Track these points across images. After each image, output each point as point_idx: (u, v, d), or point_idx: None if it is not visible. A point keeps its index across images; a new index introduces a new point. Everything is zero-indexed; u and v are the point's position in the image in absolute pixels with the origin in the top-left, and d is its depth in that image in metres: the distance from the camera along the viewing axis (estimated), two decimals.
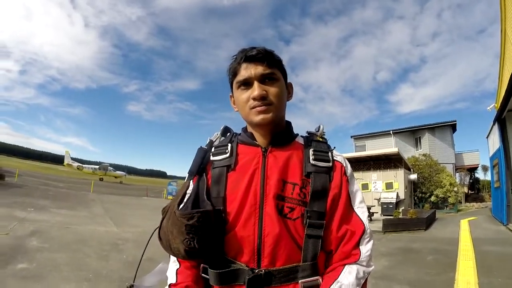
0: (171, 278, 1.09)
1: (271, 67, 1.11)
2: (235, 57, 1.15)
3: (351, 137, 35.91)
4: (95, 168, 53.19)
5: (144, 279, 1.30)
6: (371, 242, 1.11)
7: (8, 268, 4.85)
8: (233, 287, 1.04)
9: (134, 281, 1.27)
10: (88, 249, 6.52)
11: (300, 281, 1.02)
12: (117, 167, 69.49)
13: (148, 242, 1.27)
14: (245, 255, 1.05)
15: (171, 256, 1.16)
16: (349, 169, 1.18)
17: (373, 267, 1.09)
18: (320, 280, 1.03)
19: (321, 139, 1.21)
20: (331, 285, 0.99)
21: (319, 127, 1.25)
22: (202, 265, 1.10)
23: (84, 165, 55.89)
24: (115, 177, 53.47)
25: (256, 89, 1.07)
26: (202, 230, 0.98)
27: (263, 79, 1.10)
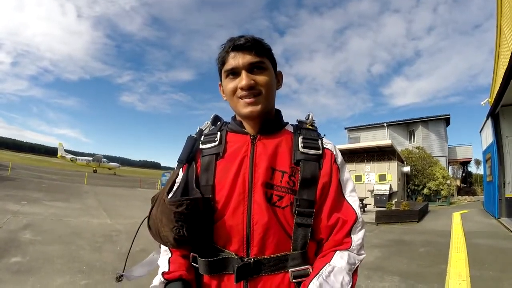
0: (164, 267, 1.08)
1: (260, 56, 1.10)
2: (223, 46, 1.14)
3: (345, 128, 36.09)
4: (88, 160, 52.78)
5: (133, 269, 1.28)
6: (363, 231, 1.10)
7: (2, 261, 4.82)
8: (222, 276, 1.04)
9: (123, 270, 1.26)
10: (82, 241, 6.50)
11: (290, 270, 1.01)
12: (110, 159, 69.37)
13: (137, 231, 1.26)
14: (234, 243, 1.04)
15: (161, 246, 1.15)
16: (339, 157, 1.17)
17: (364, 255, 1.09)
18: (310, 269, 1.02)
19: (310, 127, 1.20)
20: (322, 267, 0.99)
21: (309, 115, 1.24)
22: (191, 254, 1.10)
23: (77, 157, 55.48)
24: (109, 169, 53.13)
25: (244, 79, 1.06)
26: (191, 217, 0.98)
27: (251, 68, 1.09)
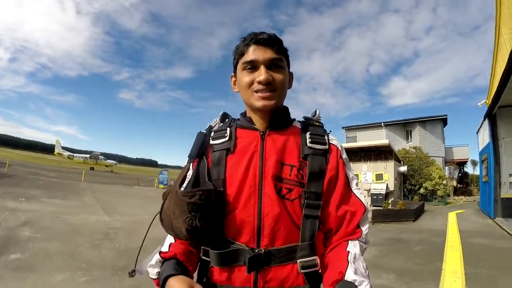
0: (164, 248, 1.12)
1: (279, 53, 1.13)
2: (244, 38, 1.16)
3: (343, 128, 35.97)
4: (85, 157, 52.56)
5: (143, 264, 1.33)
6: (368, 221, 1.17)
7: (1, 258, 4.85)
8: (234, 267, 1.06)
9: (135, 266, 1.28)
10: (80, 239, 6.54)
11: (298, 260, 1.05)
12: (108, 156, 68.98)
13: (150, 225, 1.26)
14: (245, 235, 1.07)
15: (167, 237, 1.18)
16: (344, 153, 1.21)
17: (369, 243, 1.15)
18: (318, 260, 1.06)
19: (317, 123, 1.24)
20: (347, 255, 1.02)
21: (315, 112, 1.28)
22: (202, 247, 1.13)
23: (74, 154, 55.32)
24: (106, 166, 52.94)
25: (263, 74, 1.09)
26: (204, 208, 1.00)
27: (270, 65, 1.12)
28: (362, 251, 1.08)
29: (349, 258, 1.00)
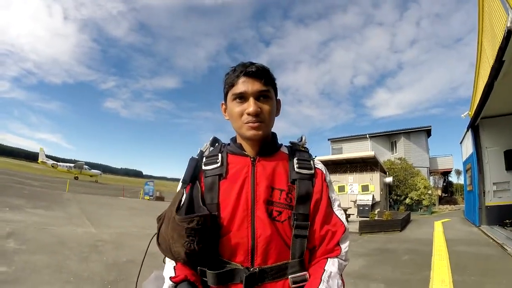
0: (170, 273, 1.15)
1: (267, 85, 1.21)
2: (234, 69, 1.24)
3: (328, 140, 36.34)
4: (70, 167, 51.57)
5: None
6: (348, 240, 1.26)
7: None
8: (230, 286, 1.13)
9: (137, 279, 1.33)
10: (68, 251, 6.41)
11: (289, 276, 1.14)
12: (92, 166, 67.90)
13: (147, 249, 1.33)
14: (239, 255, 1.14)
15: (166, 259, 1.23)
16: (328, 176, 1.32)
17: (348, 261, 1.24)
18: (308, 275, 1.15)
19: (303, 149, 1.33)
20: (322, 273, 1.11)
21: (301, 137, 1.37)
22: (199, 268, 1.16)
23: (59, 163, 54.17)
24: (90, 176, 52.04)
25: (252, 106, 1.16)
26: (201, 232, 1.06)
27: (259, 96, 1.19)
28: (341, 268, 1.18)
29: (323, 277, 1.09)
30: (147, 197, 29.47)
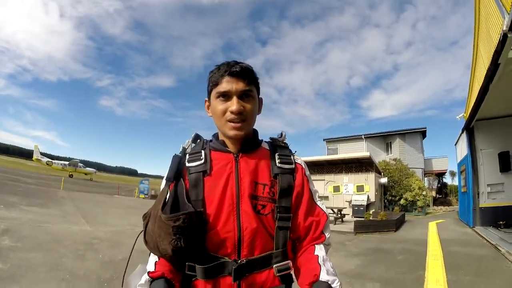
0: (150, 267, 1.17)
1: (250, 84, 1.25)
2: (218, 67, 1.27)
3: (324, 140, 36.48)
4: (64, 164, 51.30)
5: (129, 282, 1.38)
6: (329, 227, 1.35)
7: None
8: (218, 278, 1.17)
9: (122, 281, 1.34)
10: (63, 249, 6.39)
11: (274, 265, 1.20)
12: (87, 164, 67.78)
13: (134, 245, 1.38)
14: (226, 248, 1.19)
15: (151, 255, 1.24)
16: (307, 170, 1.38)
17: (331, 245, 1.34)
18: (290, 263, 1.22)
19: (283, 144, 1.38)
20: (317, 259, 1.18)
21: (281, 134, 1.42)
22: (187, 263, 1.19)
23: (53, 161, 53.89)
24: (85, 174, 51.84)
25: (235, 104, 1.20)
26: (187, 230, 1.09)
27: (242, 95, 1.23)
28: (327, 251, 1.28)
29: (319, 262, 1.16)
30: (142, 196, 29.46)
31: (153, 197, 29.05)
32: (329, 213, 9.41)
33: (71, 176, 47.09)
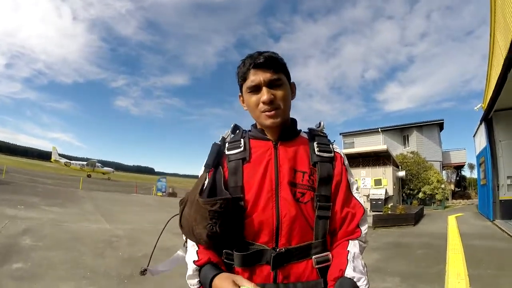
0: (193, 257, 1.15)
1: (277, 72, 1.23)
2: (243, 62, 1.27)
3: (340, 134, 36.01)
4: (82, 165, 52.16)
5: (158, 266, 1.36)
6: (367, 222, 1.29)
7: (4, 268, 4.81)
8: (255, 267, 1.14)
9: (148, 265, 1.35)
10: (83, 247, 6.50)
11: (313, 257, 1.16)
12: (104, 163, 68.59)
13: (164, 228, 1.39)
14: (264, 236, 1.16)
15: (188, 242, 1.25)
16: (346, 160, 1.35)
17: (367, 243, 1.28)
18: (330, 255, 1.18)
19: (322, 134, 1.36)
20: (347, 255, 1.13)
21: (320, 123, 1.41)
22: (224, 251, 1.18)
23: (71, 162, 54.91)
24: (103, 174, 52.63)
25: (265, 94, 1.19)
26: (224, 215, 1.08)
27: (271, 84, 1.21)
28: (361, 250, 1.21)
29: (348, 257, 1.12)
30: (159, 194, 29.68)
31: (171, 194, 29.40)
32: None
33: (89, 176, 47.82)
